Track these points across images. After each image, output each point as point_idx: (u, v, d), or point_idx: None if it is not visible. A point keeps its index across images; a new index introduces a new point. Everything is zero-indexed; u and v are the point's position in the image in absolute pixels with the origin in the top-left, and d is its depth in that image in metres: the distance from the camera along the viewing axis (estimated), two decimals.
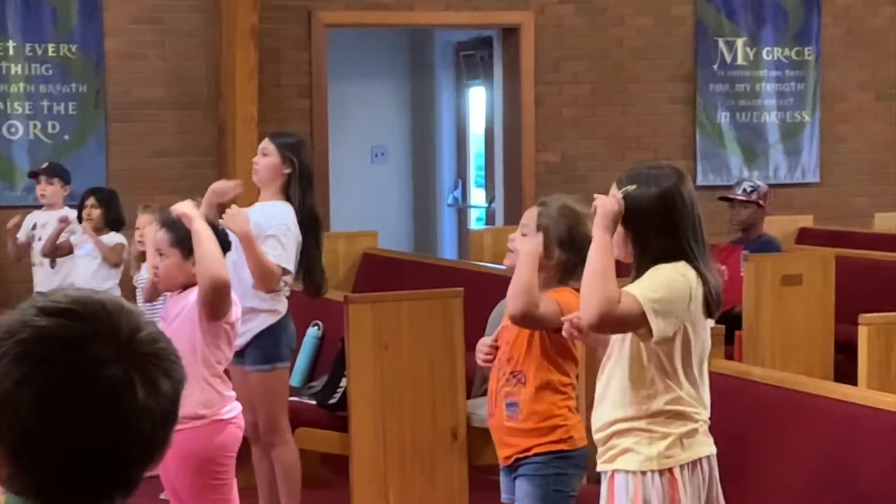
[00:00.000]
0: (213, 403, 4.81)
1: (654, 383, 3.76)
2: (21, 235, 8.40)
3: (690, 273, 3.72)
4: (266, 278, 5.81)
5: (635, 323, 3.67)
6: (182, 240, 4.90)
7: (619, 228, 3.77)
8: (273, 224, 5.92)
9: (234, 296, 4.88)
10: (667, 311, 3.67)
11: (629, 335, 3.78)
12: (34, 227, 8.41)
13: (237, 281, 5.58)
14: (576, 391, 4.47)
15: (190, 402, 4.75)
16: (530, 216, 4.42)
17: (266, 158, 6.07)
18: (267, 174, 6.07)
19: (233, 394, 4.95)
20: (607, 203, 3.77)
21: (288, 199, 6.03)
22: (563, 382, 4.35)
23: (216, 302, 4.71)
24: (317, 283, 6.14)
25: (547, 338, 4.32)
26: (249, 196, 6.51)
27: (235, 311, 4.87)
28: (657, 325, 3.65)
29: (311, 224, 6.07)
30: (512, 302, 4.26)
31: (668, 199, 3.75)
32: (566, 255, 4.32)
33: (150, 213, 7.29)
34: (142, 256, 7.40)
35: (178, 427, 4.94)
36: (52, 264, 8.35)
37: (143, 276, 7.40)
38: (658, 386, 3.76)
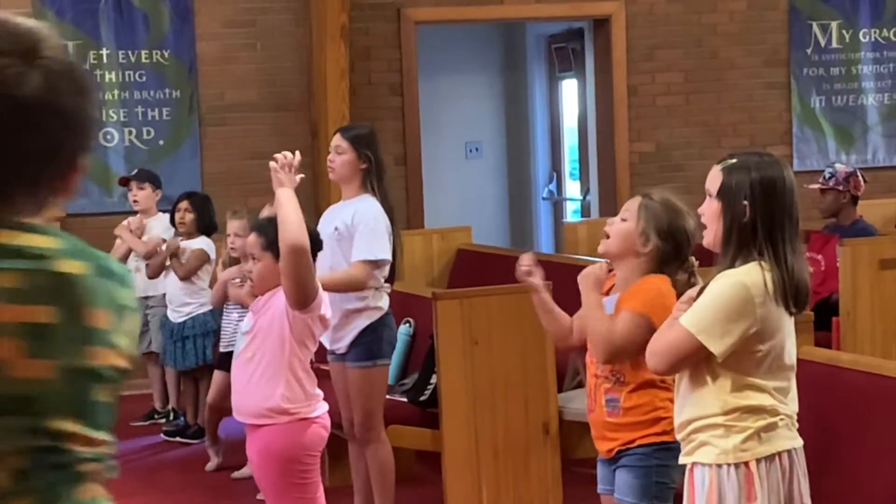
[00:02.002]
0: (297, 399, 4.83)
1: (727, 382, 3.76)
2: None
3: (755, 277, 3.69)
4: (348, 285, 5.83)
5: (696, 353, 3.71)
6: (274, 243, 4.92)
7: (716, 205, 3.77)
8: (362, 219, 5.95)
9: (322, 293, 4.87)
10: (725, 330, 3.69)
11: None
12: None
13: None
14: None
15: (275, 395, 4.78)
16: (633, 204, 4.43)
17: (341, 156, 6.09)
18: (345, 171, 6.09)
19: (320, 393, 4.96)
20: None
21: (371, 191, 6.06)
22: (662, 378, 4.32)
23: (296, 271, 4.66)
24: (394, 273, 6.18)
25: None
26: (335, 193, 6.53)
27: (323, 305, 4.85)
28: (717, 347, 3.69)
29: (390, 215, 6.09)
30: (595, 351, 4.36)
31: (767, 185, 3.74)
32: (663, 245, 4.31)
33: (238, 219, 7.34)
34: (232, 261, 7.46)
35: (262, 422, 4.98)
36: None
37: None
38: (732, 384, 3.75)
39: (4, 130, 1.79)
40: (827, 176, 8.20)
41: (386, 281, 6.16)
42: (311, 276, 4.72)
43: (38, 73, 1.81)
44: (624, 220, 4.40)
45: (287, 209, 4.74)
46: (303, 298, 4.72)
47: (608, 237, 4.43)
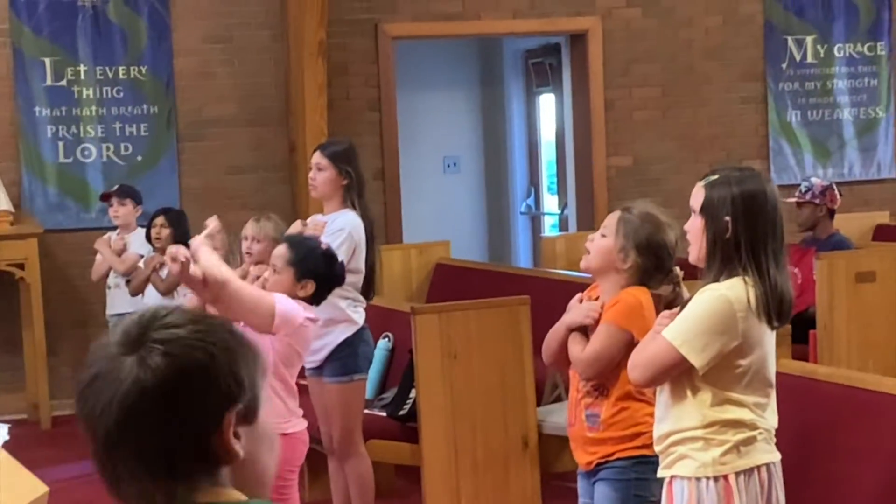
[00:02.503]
0: (278, 416, 4.83)
1: (707, 396, 3.78)
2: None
3: (739, 292, 3.71)
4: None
5: (677, 365, 3.74)
6: (300, 261, 4.91)
7: (699, 222, 3.80)
8: (330, 230, 5.99)
9: (283, 304, 4.83)
10: (706, 343, 3.71)
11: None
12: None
13: None
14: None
15: None
16: (612, 219, 4.43)
17: (322, 173, 6.13)
18: (326, 189, 6.13)
19: (299, 409, 4.97)
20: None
21: (352, 206, 6.09)
22: (644, 392, 4.34)
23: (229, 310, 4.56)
24: (372, 287, 6.20)
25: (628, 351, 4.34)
26: (314, 206, 6.55)
27: (293, 313, 4.80)
28: (698, 360, 3.71)
29: (369, 229, 6.13)
30: (576, 369, 4.42)
31: (749, 200, 3.76)
32: (643, 260, 4.32)
33: (264, 222, 7.19)
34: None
35: None
36: (129, 284, 8.47)
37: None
38: (712, 398, 3.77)
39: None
40: (803, 189, 8.25)
41: (362, 295, 6.18)
42: (238, 309, 4.57)
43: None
44: (603, 235, 4.40)
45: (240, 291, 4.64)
46: (256, 325, 4.63)
47: (588, 253, 4.45)
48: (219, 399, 1.78)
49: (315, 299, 5.00)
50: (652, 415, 4.28)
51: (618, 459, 4.35)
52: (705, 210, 3.80)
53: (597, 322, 4.35)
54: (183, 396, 1.76)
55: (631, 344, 4.13)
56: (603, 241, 4.38)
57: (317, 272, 4.94)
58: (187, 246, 7.85)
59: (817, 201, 8.18)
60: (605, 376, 4.33)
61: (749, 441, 3.78)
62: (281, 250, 4.98)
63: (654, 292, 4.31)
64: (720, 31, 11.06)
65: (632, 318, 4.23)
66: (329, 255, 5.06)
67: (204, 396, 1.77)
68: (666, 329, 3.78)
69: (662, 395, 3.90)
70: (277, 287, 4.90)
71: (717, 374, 3.75)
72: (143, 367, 1.76)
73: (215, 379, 1.78)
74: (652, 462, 4.20)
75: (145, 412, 1.76)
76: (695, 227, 3.84)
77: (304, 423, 4.96)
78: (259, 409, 1.85)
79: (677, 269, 4.34)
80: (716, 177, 3.85)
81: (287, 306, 4.78)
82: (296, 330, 4.80)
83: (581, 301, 4.48)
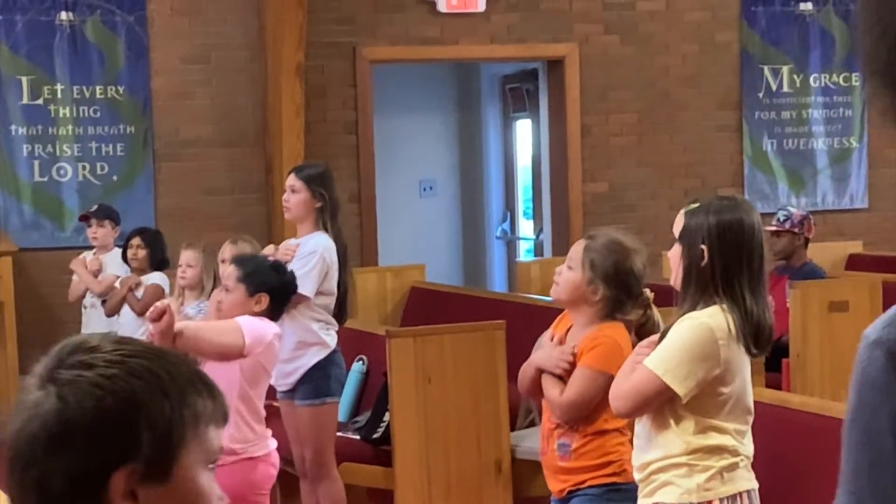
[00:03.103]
0: (246, 440, 4.84)
1: (690, 423, 3.79)
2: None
3: (719, 320, 3.73)
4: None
5: (660, 394, 3.74)
6: (248, 276, 4.94)
7: (677, 249, 3.83)
8: (300, 253, 6.00)
9: (269, 332, 4.88)
10: (689, 371, 3.73)
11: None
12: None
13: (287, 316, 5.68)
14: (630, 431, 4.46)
15: (223, 436, 4.78)
16: (577, 250, 4.41)
17: (296, 195, 6.15)
18: (299, 211, 6.15)
19: (268, 431, 4.97)
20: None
21: (325, 229, 6.11)
22: (616, 426, 4.34)
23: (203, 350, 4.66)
24: (344, 310, 6.22)
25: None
26: (290, 228, 6.57)
27: (263, 334, 4.85)
28: (681, 388, 3.72)
29: (342, 253, 6.15)
30: (552, 413, 4.42)
31: (724, 229, 3.79)
32: (612, 291, 4.31)
33: (192, 250, 7.34)
34: (182, 292, 7.47)
35: None
36: (104, 304, 8.45)
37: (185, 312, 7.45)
38: (695, 425, 3.78)
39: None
40: (781, 218, 8.29)
41: (334, 318, 6.19)
42: (209, 350, 4.66)
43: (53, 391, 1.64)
44: (570, 267, 4.38)
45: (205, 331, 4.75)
46: (230, 354, 4.72)
47: (557, 284, 4.44)
48: (102, 455, 1.61)
49: (273, 313, 5.01)
50: (623, 444, 4.29)
51: (589, 487, 4.35)
52: (682, 238, 3.83)
53: (571, 367, 4.33)
54: (65, 447, 1.62)
55: (609, 385, 4.16)
56: (570, 275, 4.36)
57: (268, 285, 4.97)
58: (166, 265, 7.87)
59: (796, 230, 8.22)
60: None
61: (732, 467, 3.80)
62: (230, 269, 5.04)
63: (625, 318, 4.31)
64: (697, 58, 11.11)
65: (611, 360, 4.20)
66: (277, 267, 5.10)
67: (86, 450, 1.61)
68: (647, 359, 3.79)
69: (643, 423, 3.91)
70: (232, 306, 4.93)
71: (700, 401, 3.77)
72: (37, 408, 1.63)
73: (99, 434, 1.61)
74: (623, 489, 4.21)
75: (28, 456, 1.63)
76: (674, 255, 3.87)
77: (273, 445, 4.96)
78: (173, 467, 1.65)
79: (647, 291, 4.34)
80: (696, 205, 3.88)
81: (254, 325, 4.81)
82: (266, 347, 4.84)
83: (552, 339, 4.46)
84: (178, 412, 1.66)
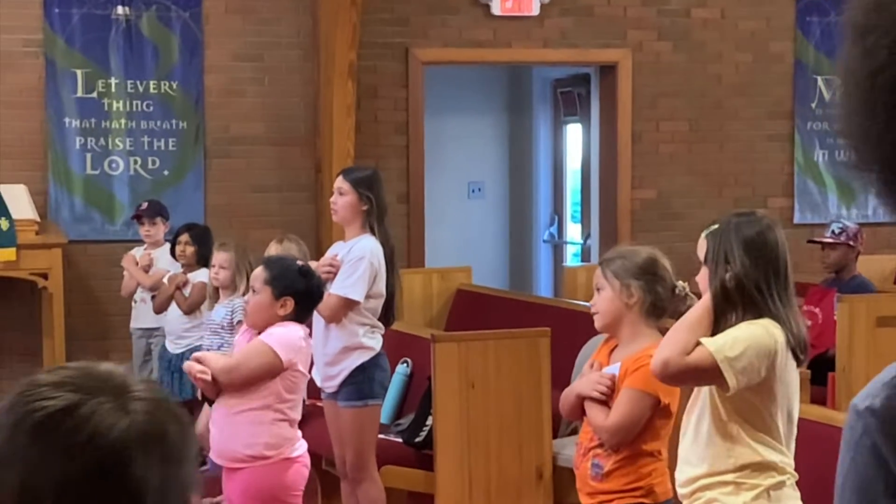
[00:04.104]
0: (279, 445, 4.87)
1: (737, 438, 3.76)
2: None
3: (776, 329, 3.72)
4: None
5: (709, 376, 3.68)
6: (275, 279, 4.96)
7: (704, 272, 3.82)
8: (349, 257, 6.01)
9: (299, 339, 4.94)
10: (746, 366, 3.68)
11: (705, 391, 3.80)
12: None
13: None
14: (666, 450, 4.44)
15: (258, 443, 4.81)
16: (597, 273, 4.47)
17: (343, 198, 6.16)
18: (346, 213, 6.16)
19: (299, 433, 5.00)
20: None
21: (371, 232, 6.12)
22: (652, 449, 4.33)
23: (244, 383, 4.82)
24: (391, 313, 6.22)
25: None
26: (338, 230, 6.59)
27: (296, 339, 4.93)
28: (732, 380, 3.67)
29: (390, 256, 6.15)
30: (600, 438, 4.36)
31: (747, 246, 3.77)
32: (645, 284, 4.33)
33: (224, 251, 7.45)
34: (216, 293, 7.55)
35: (243, 465, 5.00)
36: (154, 300, 8.53)
37: (213, 316, 7.51)
38: (742, 441, 3.76)
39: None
40: (836, 231, 8.24)
41: (380, 320, 6.20)
42: (252, 377, 4.79)
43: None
44: (599, 289, 4.42)
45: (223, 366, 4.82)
46: (272, 373, 4.83)
47: (597, 313, 4.45)
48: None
49: (298, 317, 5.03)
50: (655, 468, 4.29)
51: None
52: (708, 260, 3.82)
53: (609, 390, 4.32)
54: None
55: (656, 406, 4.15)
56: (603, 294, 4.39)
57: (295, 289, 4.99)
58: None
59: (851, 243, 8.18)
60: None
61: (779, 486, 3.78)
62: (258, 271, 5.06)
63: (665, 324, 4.31)
64: (750, 68, 11.06)
65: (655, 380, 4.18)
66: (305, 271, 5.11)
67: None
68: (707, 340, 3.74)
69: (688, 437, 3.89)
70: (257, 307, 4.97)
71: (750, 413, 3.74)
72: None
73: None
74: None
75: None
76: (702, 278, 3.86)
77: (304, 446, 5.00)
78: None
79: (681, 283, 4.33)
80: (716, 226, 3.87)
81: (280, 336, 4.86)
82: (298, 352, 4.91)
83: (592, 366, 4.46)
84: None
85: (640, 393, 4.23)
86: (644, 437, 4.28)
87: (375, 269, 6.07)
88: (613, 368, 4.36)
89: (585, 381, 4.38)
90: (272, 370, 4.80)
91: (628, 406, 4.24)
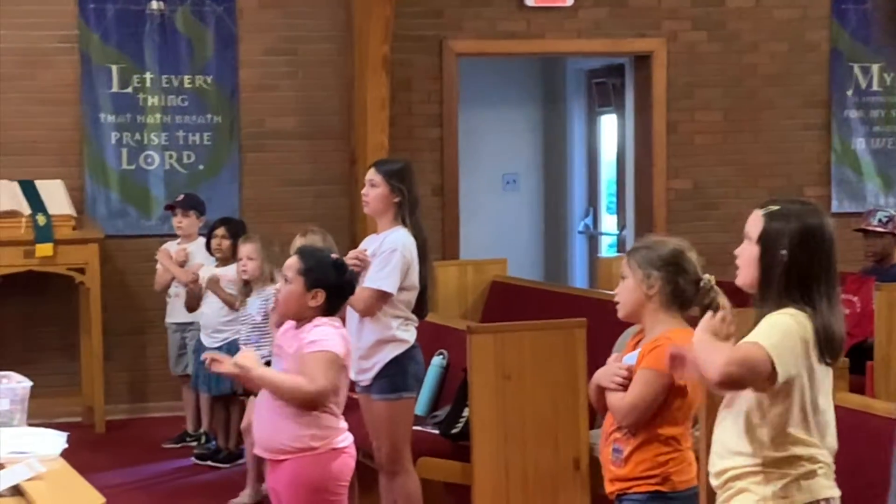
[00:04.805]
0: (325, 436, 4.87)
1: (771, 431, 3.74)
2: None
3: (807, 322, 3.70)
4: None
5: (763, 369, 3.65)
6: (308, 271, 4.95)
7: (754, 251, 3.78)
8: (381, 250, 6.01)
9: (339, 332, 4.94)
10: (785, 355, 3.65)
11: (739, 396, 3.79)
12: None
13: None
14: (689, 440, 4.43)
15: (303, 435, 4.81)
16: (622, 262, 4.47)
17: (375, 189, 6.15)
18: (378, 205, 6.15)
19: (345, 424, 4.99)
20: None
21: (403, 224, 6.11)
22: (672, 434, 4.33)
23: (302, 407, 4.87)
24: (425, 306, 6.21)
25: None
26: (371, 223, 6.59)
27: (340, 333, 4.95)
28: (783, 370, 3.64)
29: (422, 248, 6.14)
30: (615, 418, 4.35)
31: (807, 235, 3.74)
32: (666, 274, 4.32)
33: (251, 243, 7.51)
34: (246, 286, 7.58)
35: (289, 456, 5.02)
36: None
37: (249, 310, 7.54)
38: (775, 433, 3.73)
39: None
40: (883, 219, 8.18)
41: (414, 313, 6.19)
42: (319, 398, 4.82)
43: None
44: (623, 277, 4.43)
45: (278, 383, 4.84)
46: (341, 370, 4.86)
47: (618, 303, 4.46)
48: None
49: (329, 309, 5.02)
50: (673, 457, 4.28)
51: (635, 493, 4.35)
52: (762, 241, 3.78)
53: (627, 381, 4.32)
54: None
55: (671, 387, 4.15)
56: (626, 283, 4.39)
57: (327, 282, 4.97)
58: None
59: None
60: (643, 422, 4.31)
61: (810, 475, 3.75)
62: (292, 261, 5.05)
63: (689, 312, 4.29)
64: (785, 57, 11.01)
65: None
66: (338, 265, 5.10)
67: None
68: (754, 335, 3.71)
69: (720, 428, 3.88)
70: (289, 296, 4.95)
71: (780, 406, 3.72)
72: None
73: None
74: (671, 498, 4.21)
75: None
76: (748, 254, 3.82)
77: (350, 437, 4.99)
78: None
79: (707, 276, 4.31)
80: (776, 207, 3.83)
81: (327, 334, 4.87)
82: (347, 340, 4.94)
83: (615, 360, 4.48)
84: None
85: (655, 373, 4.24)
86: (661, 420, 4.27)
87: (408, 262, 6.06)
88: (632, 357, 4.37)
89: (604, 371, 4.40)
90: (343, 369, 4.88)
91: (643, 386, 4.26)
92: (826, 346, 3.72)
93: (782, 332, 3.69)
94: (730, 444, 3.83)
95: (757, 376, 3.69)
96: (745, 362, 3.67)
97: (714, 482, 3.89)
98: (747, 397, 3.78)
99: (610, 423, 4.43)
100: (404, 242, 6.06)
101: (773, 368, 3.64)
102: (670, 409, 4.32)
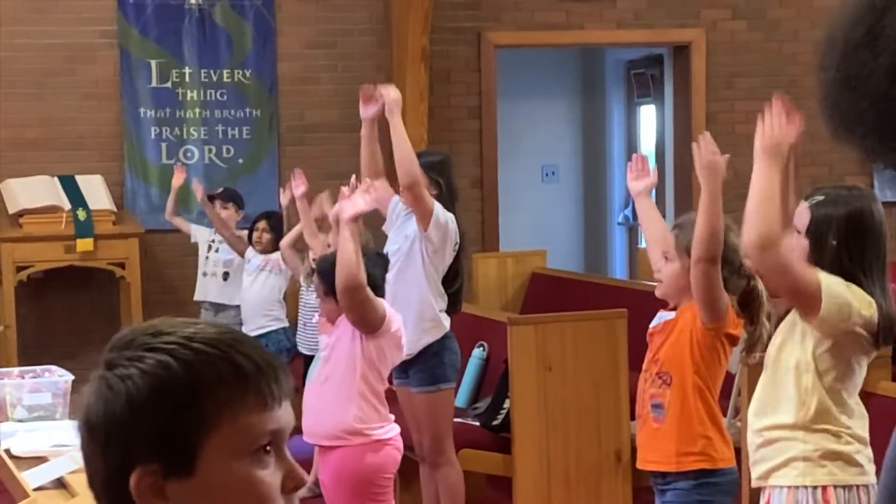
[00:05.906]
0: (370, 420, 4.87)
1: (811, 396, 3.69)
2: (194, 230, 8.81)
3: (865, 298, 3.65)
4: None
5: (806, 293, 3.57)
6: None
7: (804, 243, 3.74)
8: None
9: (389, 309, 4.94)
10: (838, 304, 3.60)
11: (788, 344, 3.72)
12: (211, 245, 8.72)
13: (395, 302, 5.71)
14: (721, 418, 4.42)
15: (347, 417, 4.82)
16: (669, 241, 4.43)
17: None
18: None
19: (391, 415, 5.00)
20: (777, 133, 3.87)
21: None
22: (708, 386, 4.31)
23: (353, 308, 4.77)
24: (459, 298, 6.21)
25: (696, 339, 4.29)
26: None
27: (394, 323, 4.93)
28: (826, 307, 3.57)
29: (460, 240, 6.14)
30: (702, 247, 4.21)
31: (856, 222, 3.70)
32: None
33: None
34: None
35: (335, 444, 5.01)
36: (225, 277, 8.60)
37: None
38: (815, 399, 3.69)
39: None
40: None
41: (450, 306, 6.17)
42: (370, 308, 4.80)
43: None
44: (667, 258, 4.40)
45: (346, 245, 4.80)
46: (367, 328, 4.81)
47: (661, 282, 4.44)
48: (116, 454, 1.60)
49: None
50: (714, 421, 4.25)
51: (678, 477, 4.33)
52: (811, 232, 3.74)
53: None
54: (93, 440, 1.63)
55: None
56: (670, 267, 4.37)
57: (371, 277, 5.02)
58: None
59: None
60: (673, 362, 4.26)
61: (850, 457, 3.71)
62: (314, 281, 5.15)
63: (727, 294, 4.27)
64: None
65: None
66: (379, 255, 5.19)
67: (105, 448, 1.61)
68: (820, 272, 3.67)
69: (764, 386, 3.82)
70: (331, 313, 5.03)
71: (822, 373, 3.66)
72: (88, 396, 1.66)
73: (109, 434, 1.61)
74: (715, 483, 4.20)
75: (81, 436, 1.67)
76: (800, 248, 3.77)
77: (397, 429, 5.00)
78: (195, 461, 1.58)
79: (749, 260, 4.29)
80: (822, 197, 3.79)
81: (390, 311, 4.89)
82: (392, 334, 4.91)
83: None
84: (195, 406, 1.59)
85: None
86: (695, 367, 4.24)
87: (453, 237, 6.07)
88: (667, 315, 4.36)
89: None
90: (382, 312, 4.86)
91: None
92: (884, 330, 3.66)
93: (843, 289, 3.64)
94: (769, 401, 3.77)
95: (797, 294, 3.61)
96: (792, 265, 3.59)
97: (751, 441, 3.83)
98: (786, 359, 3.73)
99: (643, 382, 4.41)
100: (449, 226, 6.08)
101: (819, 297, 3.58)
102: (710, 349, 4.27)
